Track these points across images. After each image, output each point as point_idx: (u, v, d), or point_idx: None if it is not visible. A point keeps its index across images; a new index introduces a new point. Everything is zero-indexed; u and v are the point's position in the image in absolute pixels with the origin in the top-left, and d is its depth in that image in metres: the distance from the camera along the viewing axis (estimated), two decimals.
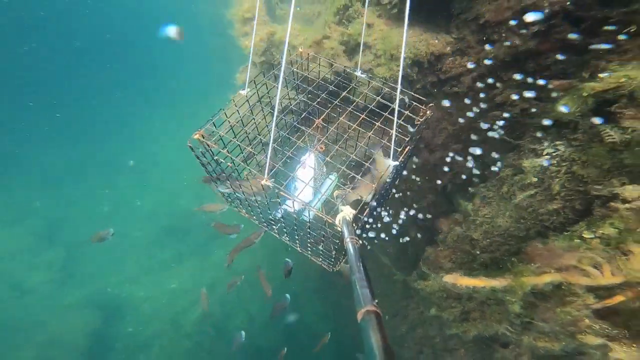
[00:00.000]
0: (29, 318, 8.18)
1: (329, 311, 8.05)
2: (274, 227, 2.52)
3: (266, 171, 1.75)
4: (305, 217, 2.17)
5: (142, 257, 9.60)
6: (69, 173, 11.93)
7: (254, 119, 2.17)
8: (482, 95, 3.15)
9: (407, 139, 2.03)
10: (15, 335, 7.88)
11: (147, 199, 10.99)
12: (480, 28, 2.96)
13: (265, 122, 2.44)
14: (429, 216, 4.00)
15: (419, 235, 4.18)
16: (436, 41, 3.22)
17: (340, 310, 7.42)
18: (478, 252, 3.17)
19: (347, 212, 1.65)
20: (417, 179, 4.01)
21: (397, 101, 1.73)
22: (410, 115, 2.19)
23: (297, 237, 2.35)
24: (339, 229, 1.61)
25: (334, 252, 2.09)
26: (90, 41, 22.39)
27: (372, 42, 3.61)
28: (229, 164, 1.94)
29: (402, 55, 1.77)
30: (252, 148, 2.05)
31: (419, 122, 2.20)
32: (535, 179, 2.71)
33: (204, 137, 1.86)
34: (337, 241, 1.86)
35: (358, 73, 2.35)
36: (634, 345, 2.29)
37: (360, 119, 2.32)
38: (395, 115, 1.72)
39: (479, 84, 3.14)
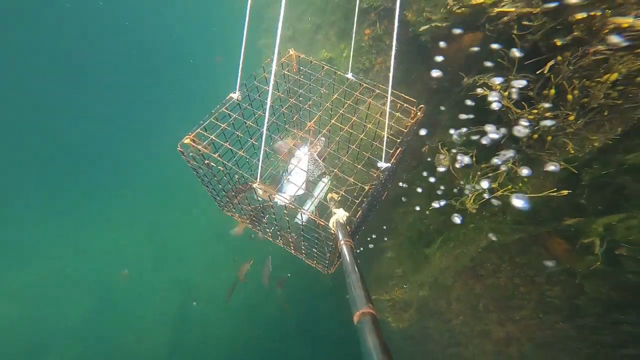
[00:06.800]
0: (139, 294, 11.76)
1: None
2: (268, 230, 2.50)
3: (258, 174, 1.74)
4: (299, 220, 2.15)
5: (206, 253, 12.84)
6: (164, 186, 15.47)
7: (245, 122, 2.15)
8: None
9: (398, 140, 2.05)
10: (136, 304, 11.51)
11: (201, 209, 14.25)
12: None
13: (257, 126, 2.43)
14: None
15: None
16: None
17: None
18: None
19: (340, 215, 1.65)
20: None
21: (388, 102, 1.75)
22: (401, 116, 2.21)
23: (290, 240, 2.34)
24: (333, 232, 1.61)
25: (328, 255, 2.08)
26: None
27: None
28: (220, 167, 1.92)
29: (393, 52, 1.79)
30: (244, 152, 2.03)
31: (409, 123, 2.22)
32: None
33: (195, 142, 1.84)
34: (331, 243, 1.86)
35: (349, 75, 2.36)
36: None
37: (352, 121, 2.33)
38: (387, 117, 1.74)
39: None
